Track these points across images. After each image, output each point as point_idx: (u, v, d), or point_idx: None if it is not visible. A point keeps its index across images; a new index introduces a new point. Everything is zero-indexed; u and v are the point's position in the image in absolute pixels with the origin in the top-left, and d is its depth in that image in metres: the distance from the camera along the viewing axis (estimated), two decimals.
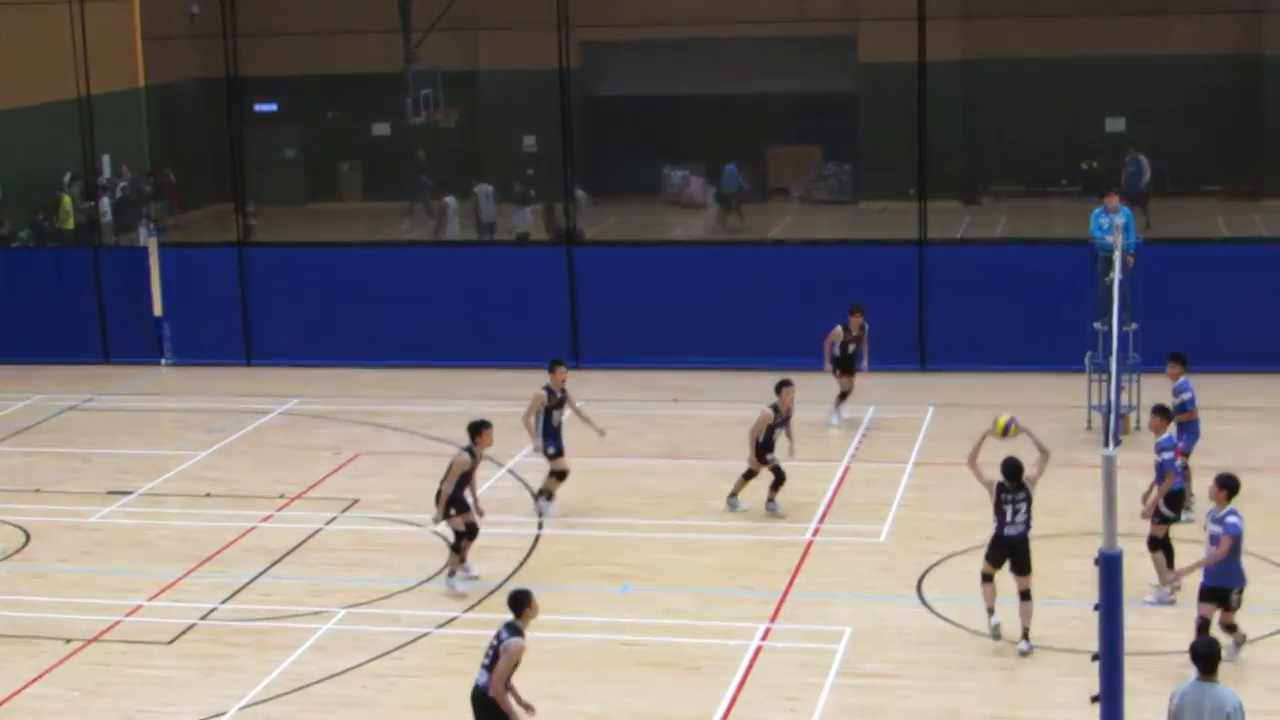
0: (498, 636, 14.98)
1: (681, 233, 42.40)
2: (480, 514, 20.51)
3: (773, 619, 19.35)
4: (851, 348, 27.10)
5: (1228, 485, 17.44)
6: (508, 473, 25.22)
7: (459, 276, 32.60)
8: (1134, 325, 25.94)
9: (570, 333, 31.78)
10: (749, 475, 22.93)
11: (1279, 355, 29.65)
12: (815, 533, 22.28)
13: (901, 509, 23.08)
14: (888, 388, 28.72)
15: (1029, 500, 18.10)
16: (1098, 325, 25.90)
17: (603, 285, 31.82)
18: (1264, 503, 22.66)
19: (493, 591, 20.27)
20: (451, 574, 20.46)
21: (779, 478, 22.85)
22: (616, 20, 41.54)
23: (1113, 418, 17.83)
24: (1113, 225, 25.16)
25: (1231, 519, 17.20)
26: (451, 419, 28.52)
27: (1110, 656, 12.51)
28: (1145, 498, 19.74)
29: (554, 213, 37.14)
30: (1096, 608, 12.46)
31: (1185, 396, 21.88)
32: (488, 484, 24.65)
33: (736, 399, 29.09)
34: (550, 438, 22.87)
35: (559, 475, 23.11)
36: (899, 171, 35.45)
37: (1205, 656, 13.09)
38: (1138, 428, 25.93)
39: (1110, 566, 12.28)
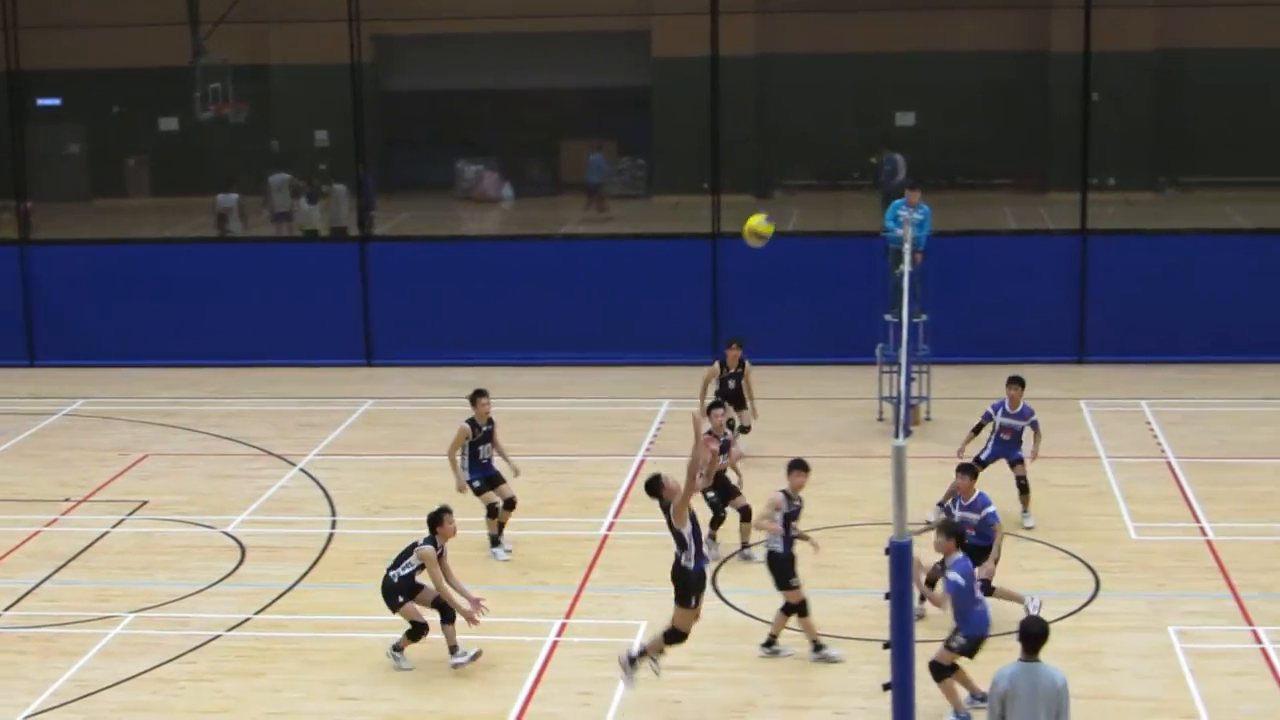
0: None
1: (475, 228, 42.20)
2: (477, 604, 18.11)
3: (568, 614, 19.28)
4: (732, 384, 24.64)
5: (955, 534, 16.28)
6: (300, 472, 24.91)
7: (249, 273, 32.10)
8: (924, 317, 26.25)
9: (362, 329, 31.50)
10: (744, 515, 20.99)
11: (1065, 345, 30.22)
12: (610, 527, 22.24)
13: (696, 501, 23.04)
14: (681, 380, 28.71)
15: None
16: (888, 317, 26.17)
17: (395, 281, 31.54)
18: (1049, 490, 23.03)
19: (284, 593, 19.99)
20: (453, 649, 17.97)
21: (717, 514, 21.06)
22: (408, 14, 41.23)
23: (903, 409, 17.97)
24: (905, 219, 25.33)
25: (952, 575, 15.96)
26: (243, 418, 28.16)
27: (901, 644, 12.62)
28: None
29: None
30: (888, 596, 12.56)
31: (1035, 418, 22.01)
32: (280, 483, 24.36)
33: (530, 394, 29.01)
34: (477, 471, 21.29)
35: (495, 509, 21.31)
36: (693, 165, 35.56)
37: (1034, 635, 12.98)
38: (928, 418, 26.28)
39: (900, 555, 12.38)
